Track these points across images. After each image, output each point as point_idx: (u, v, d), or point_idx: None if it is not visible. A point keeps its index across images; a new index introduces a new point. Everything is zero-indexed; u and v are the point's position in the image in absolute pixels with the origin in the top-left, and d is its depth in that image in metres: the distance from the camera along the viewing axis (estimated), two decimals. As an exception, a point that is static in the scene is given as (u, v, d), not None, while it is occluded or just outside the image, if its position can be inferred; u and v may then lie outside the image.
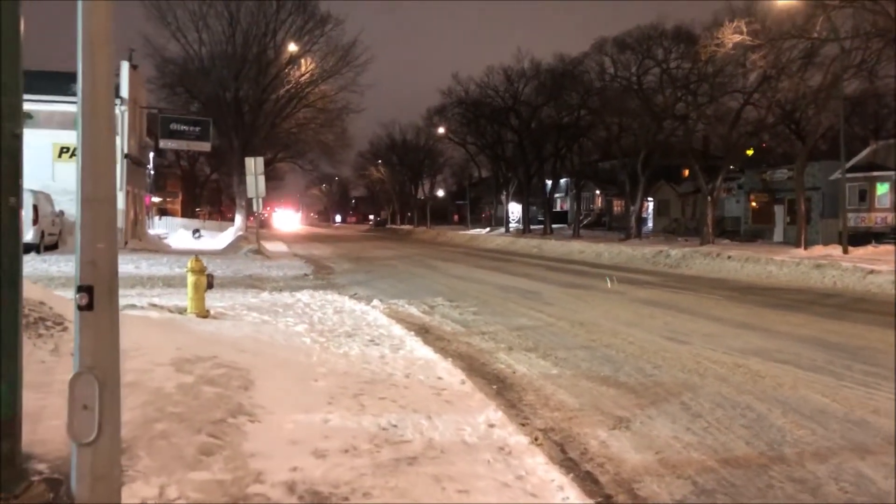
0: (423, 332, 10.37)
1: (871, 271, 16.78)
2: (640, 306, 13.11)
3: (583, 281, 18.35)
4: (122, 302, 10.71)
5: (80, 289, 3.24)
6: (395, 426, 5.21)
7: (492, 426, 5.33)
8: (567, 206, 67.80)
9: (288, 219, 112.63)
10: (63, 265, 18.49)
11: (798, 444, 5.36)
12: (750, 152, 41.40)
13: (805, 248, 27.01)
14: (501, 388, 7.18)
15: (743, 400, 6.55)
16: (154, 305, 9.87)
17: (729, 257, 22.06)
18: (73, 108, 20.46)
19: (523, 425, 5.83)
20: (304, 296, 13.35)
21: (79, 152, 3.20)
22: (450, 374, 7.04)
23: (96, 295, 3.27)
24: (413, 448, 4.75)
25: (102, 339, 3.31)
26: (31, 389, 4.80)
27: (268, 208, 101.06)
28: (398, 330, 9.67)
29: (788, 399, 6.56)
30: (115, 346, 3.40)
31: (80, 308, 3.23)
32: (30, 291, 6.80)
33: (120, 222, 28.06)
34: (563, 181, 62.12)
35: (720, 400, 6.57)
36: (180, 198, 67.78)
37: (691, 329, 10.52)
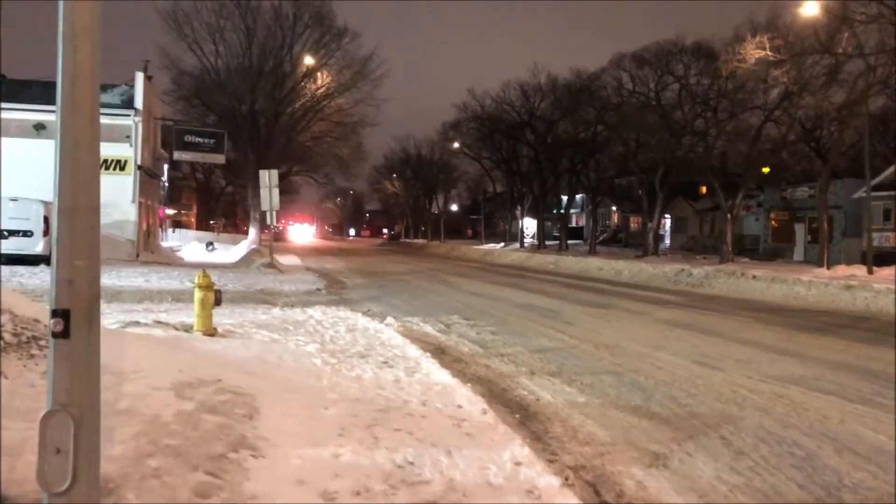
0: (440, 352, 9.91)
1: (905, 293, 16.11)
2: (666, 328, 12.57)
3: (604, 300, 17.80)
4: (126, 318, 10.34)
5: (54, 313, 2.81)
6: (411, 463, 4.73)
7: (518, 464, 4.85)
8: (582, 222, 67.28)
9: (302, 232, 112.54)
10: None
11: (858, 489, 4.83)
12: (766, 170, 40.74)
13: (828, 268, 26.37)
14: (525, 417, 6.69)
15: (788, 435, 6.03)
16: (159, 322, 9.45)
17: (754, 277, 21.38)
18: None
19: (551, 462, 5.34)
20: (315, 312, 12.93)
21: (56, 155, 2.79)
22: (469, 401, 6.56)
23: (73, 320, 2.84)
24: (432, 490, 4.28)
25: (80, 371, 2.87)
26: (15, 418, 4.38)
27: (282, 221, 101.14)
28: (413, 351, 9.20)
29: (838, 435, 6.03)
30: (94, 379, 2.96)
31: (54, 335, 2.81)
32: (25, 308, 6.41)
33: (132, 235, 27.82)
34: (578, 197, 61.62)
35: (763, 434, 6.05)
36: (195, 210, 67.73)
37: (722, 353, 9.98)
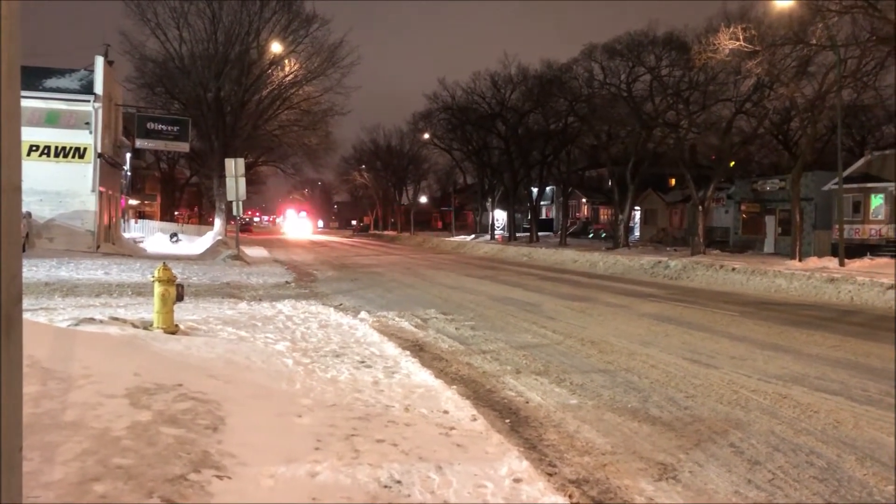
0: (418, 350, 9.37)
1: (892, 286, 15.82)
2: (651, 322, 12.14)
3: (583, 292, 17.36)
4: (80, 314, 9.60)
5: (-43, 323, 2.19)
6: (398, 482, 4.19)
7: (518, 481, 4.33)
8: (552, 214, 67.06)
9: (300, 225, 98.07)
10: (26, 270, 17.28)
11: (893, 505, 4.40)
12: (732, 164, 40.80)
13: (800, 260, 26.32)
14: (515, 422, 6.17)
15: (803, 442, 5.59)
16: (115, 319, 8.75)
17: (733, 269, 21.08)
18: (45, 105, 18.90)
19: (550, 475, 4.83)
20: (285, 307, 12.29)
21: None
22: (457, 406, 6.03)
23: (-15, 331, 2.22)
24: (425, 516, 3.74)
25: (-6, 394, 2.25)
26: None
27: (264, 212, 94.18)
28: (391, 349, 8.64)
29: (856, 441, 5.60)
30: (14, 407, 2.33)
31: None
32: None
33: (92, 225, 26.76)
34: (548, 189, 61.35)
35: (776, 441, 5.60)
36: (159, 200, 66.14)
37: (714, 350, 9.56)
